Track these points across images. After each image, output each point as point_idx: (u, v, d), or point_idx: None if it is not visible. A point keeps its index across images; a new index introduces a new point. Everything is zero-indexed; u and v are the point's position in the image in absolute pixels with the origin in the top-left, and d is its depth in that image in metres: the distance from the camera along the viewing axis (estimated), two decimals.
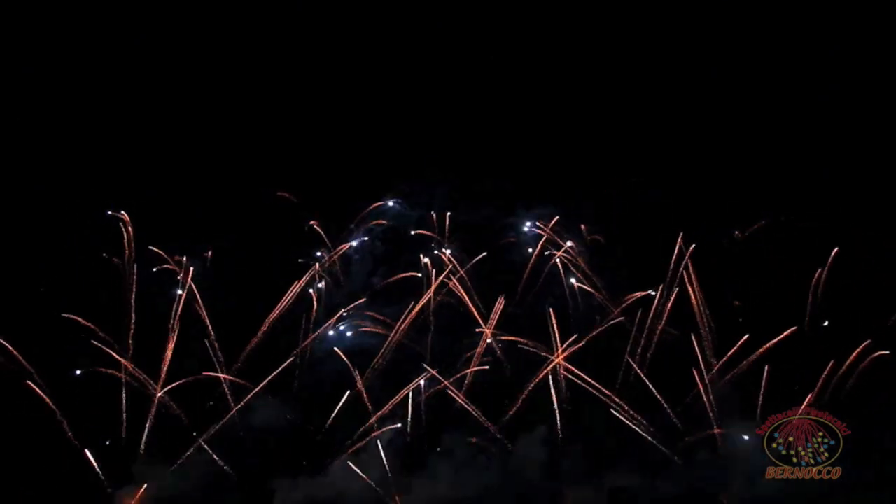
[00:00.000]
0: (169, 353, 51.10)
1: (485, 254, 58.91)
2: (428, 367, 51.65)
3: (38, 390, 48.29)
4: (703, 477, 46.78)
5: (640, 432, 48.87)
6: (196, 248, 57.84)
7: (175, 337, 51.68)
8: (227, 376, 51.35)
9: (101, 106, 60.10)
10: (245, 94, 63.75)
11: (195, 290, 53.97)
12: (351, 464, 47.92)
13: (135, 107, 60.95)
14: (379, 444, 48.49)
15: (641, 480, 46.95)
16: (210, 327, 52.99)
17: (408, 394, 50.73)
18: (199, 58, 61.89)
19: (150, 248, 56.70)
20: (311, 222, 60.27)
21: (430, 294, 55.60)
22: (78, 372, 50.95)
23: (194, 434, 49.36)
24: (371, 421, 49.98)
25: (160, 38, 61.83)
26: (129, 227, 56.12)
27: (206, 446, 48.98)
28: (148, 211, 58.27)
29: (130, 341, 52.09)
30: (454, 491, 47.78)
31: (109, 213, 56.82)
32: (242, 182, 61.78)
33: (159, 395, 49.88)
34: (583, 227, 61.28)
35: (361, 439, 49.50)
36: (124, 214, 56.43)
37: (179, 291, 54.02)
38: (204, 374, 51.26)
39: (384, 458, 47.85)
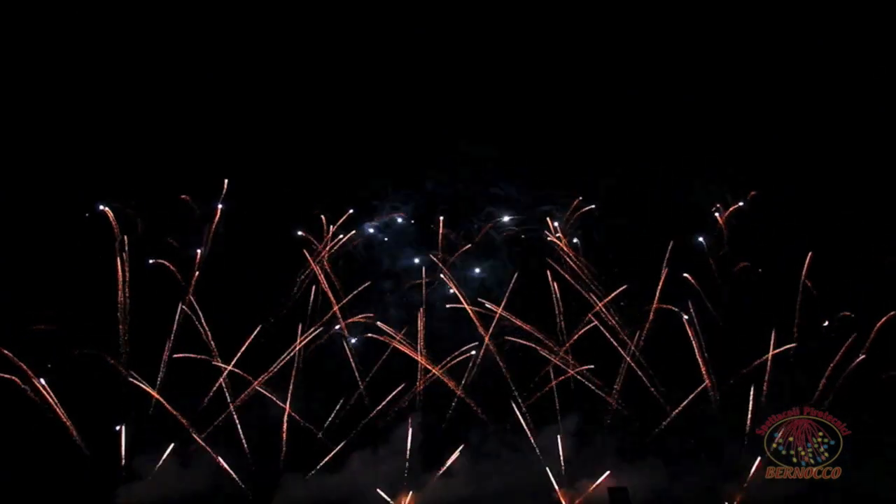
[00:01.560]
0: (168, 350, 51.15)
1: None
2: (426, 364, 51.59)
3: (31, 389, 48.18)
4: (703, 476, 46.88)
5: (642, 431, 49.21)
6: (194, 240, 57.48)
7: (175, 329, 51.77)
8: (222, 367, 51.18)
9: (98, 103, 59.36)
10: (269, 76, 62.40)
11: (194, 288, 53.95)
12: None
13: (135, 103, 60.08)
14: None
15: (642, 480, 47.00)
16: (211, 319, 52.89)
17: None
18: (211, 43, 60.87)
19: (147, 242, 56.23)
20: (316, 211, 59.60)
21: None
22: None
23: (193, 432, 49.37)
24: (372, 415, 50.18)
25: (163, 32, 60.99)
26: (138, 220, 55.84)
27: (203, 443, 49.00)
28: (143, 207, 57.82)
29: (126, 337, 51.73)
30: (456, 489, 47.97)
31: (115, 205, 56.55)
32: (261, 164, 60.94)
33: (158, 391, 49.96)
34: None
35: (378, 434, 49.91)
36: (132, 211, 56.35)
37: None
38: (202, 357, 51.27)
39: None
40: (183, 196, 57.53)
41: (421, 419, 50.87)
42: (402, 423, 50.46)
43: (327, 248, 57.17)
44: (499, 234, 59.16)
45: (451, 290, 55.09)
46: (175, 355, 51.11)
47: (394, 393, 51.17)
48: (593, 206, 59.86)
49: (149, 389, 49.95)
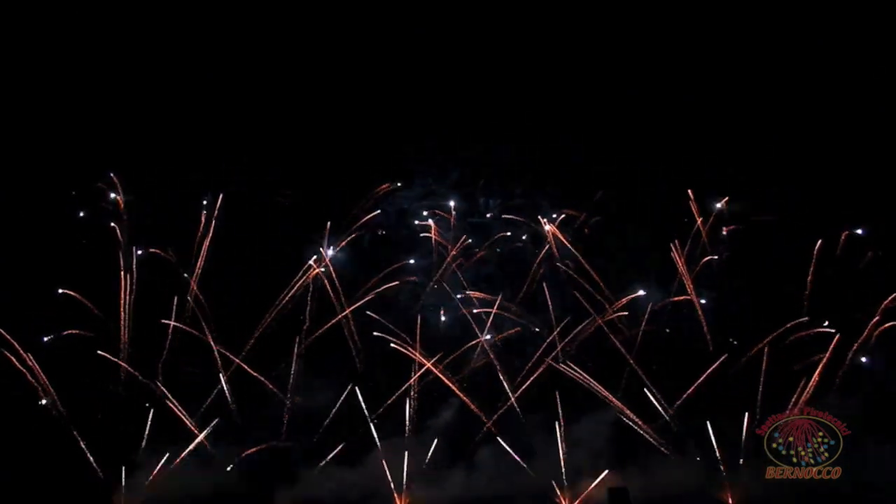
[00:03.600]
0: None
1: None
2: (424, 360, 51.47)
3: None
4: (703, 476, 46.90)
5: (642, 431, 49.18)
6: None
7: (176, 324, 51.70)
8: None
9: (105, 95, 59.27)
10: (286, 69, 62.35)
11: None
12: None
13: (145, 92, 60.04)
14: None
15: (641, 480, 47.04)
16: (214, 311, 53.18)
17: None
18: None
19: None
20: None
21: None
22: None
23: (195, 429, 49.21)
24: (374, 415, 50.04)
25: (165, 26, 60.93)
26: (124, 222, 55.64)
27: (205, 441, 48.88)
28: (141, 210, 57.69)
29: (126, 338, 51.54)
30: (453, 490, 47.88)
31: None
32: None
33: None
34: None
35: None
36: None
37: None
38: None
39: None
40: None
41: (447, 412, 50.97)
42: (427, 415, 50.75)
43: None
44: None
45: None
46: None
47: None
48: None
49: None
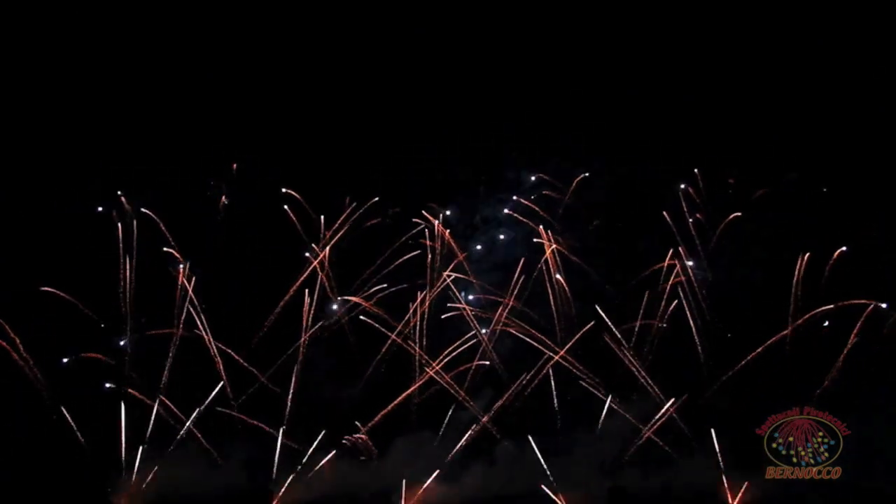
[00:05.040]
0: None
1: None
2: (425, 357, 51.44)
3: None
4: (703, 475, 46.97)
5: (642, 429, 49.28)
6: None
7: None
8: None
9: (103, 92, 59.43)
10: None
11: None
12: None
13: (136, 101, 60.17)
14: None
15: (641, 480, 47.10)
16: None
17: None
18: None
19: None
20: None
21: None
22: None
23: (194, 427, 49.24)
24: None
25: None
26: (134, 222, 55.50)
27: (203, 439, 48.84)
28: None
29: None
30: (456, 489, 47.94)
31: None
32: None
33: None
34: None
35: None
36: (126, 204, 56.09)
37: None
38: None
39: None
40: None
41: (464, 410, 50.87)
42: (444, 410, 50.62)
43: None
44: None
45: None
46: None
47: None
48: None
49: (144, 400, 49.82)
